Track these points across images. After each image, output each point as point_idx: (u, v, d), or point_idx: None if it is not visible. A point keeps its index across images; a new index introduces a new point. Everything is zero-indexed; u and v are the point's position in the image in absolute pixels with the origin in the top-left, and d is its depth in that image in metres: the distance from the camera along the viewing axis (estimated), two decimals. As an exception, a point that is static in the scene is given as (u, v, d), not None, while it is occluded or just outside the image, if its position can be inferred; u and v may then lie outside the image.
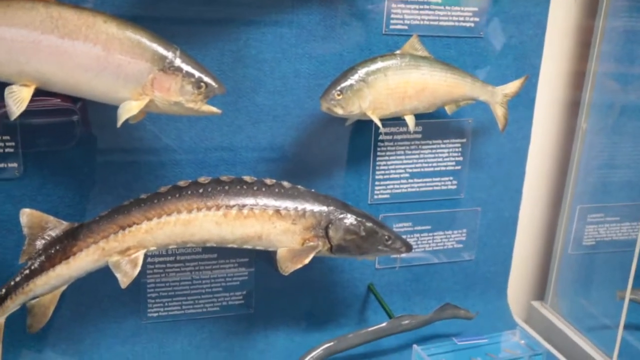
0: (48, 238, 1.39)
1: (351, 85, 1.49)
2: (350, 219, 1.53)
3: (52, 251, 1.38)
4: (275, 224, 1.46)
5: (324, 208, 1.51)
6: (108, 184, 1.54)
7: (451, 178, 1.86)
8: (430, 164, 1.82)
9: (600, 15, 1.91)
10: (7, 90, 1.24)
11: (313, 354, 1.61)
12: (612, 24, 1.91)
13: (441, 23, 1.69)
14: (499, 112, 1.72)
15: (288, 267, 1.46)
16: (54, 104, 1.41)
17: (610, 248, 2.06)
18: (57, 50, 1.23)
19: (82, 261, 1.39)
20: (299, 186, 1.51)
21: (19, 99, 1.24)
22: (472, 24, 1.73)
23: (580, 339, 1.95)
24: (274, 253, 1.54)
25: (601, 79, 1.95)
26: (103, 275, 1.42)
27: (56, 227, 1.40)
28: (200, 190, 1.43)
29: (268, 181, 1.48)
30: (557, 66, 1.96)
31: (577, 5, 1.94)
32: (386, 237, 1.57)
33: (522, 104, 1.85)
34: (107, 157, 1.53)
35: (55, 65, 1.24)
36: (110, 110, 1.31)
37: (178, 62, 1.30)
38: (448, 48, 1.72)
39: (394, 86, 1.53)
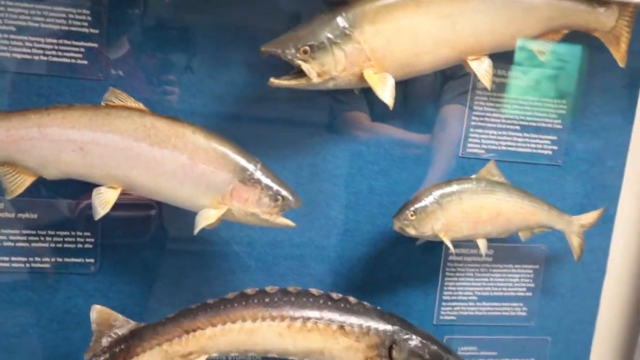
0: (114, 336, 1.41)
1: (425, 207, 1.49)
2: (415, 341, 1.49)
3: (117, 350, 1.39)
4: (338, 339, 1.44)
5: (389, 327, 1.48)
6: (177, 285, 1.57)
7: (521, 304, 1.80)
8: (500, 289, 1.78)
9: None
10: (95, 192, 1.30)
11: None
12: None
13: (519, 149, 1.70)
14: (575, 242, 1.69)
15: (349, 387, 1.42)
16: (134, 197, 1.47)
17: (690, 393, 1.93)
18: (146, 157, 1.29)
19: (145, 363, 1.40)
20: (365, 302, 1.49)
21: (105, 201, 1.30)
22: (550, 152, 1.72)
23: None
24: (334, 368, 1.51)
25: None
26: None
27: (123, 325, 1.42)
28: (267, 300, 1.43)
29: (334, 295, 1.47)
30: (637, 199, 1.91)
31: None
32: (451, 362, 1.52)
33: (599, 234, 1.81)
34: (179, 259, 1.56)
35: (143, 171, 1.30)
36: (184, 210, 1.36)
37: (258, 174, 1.34)
38: (525, 174, 1.71)
39: (468, 210, 1.53)
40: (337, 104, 1.59)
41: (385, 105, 1.39)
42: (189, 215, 1.35)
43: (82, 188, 1.37)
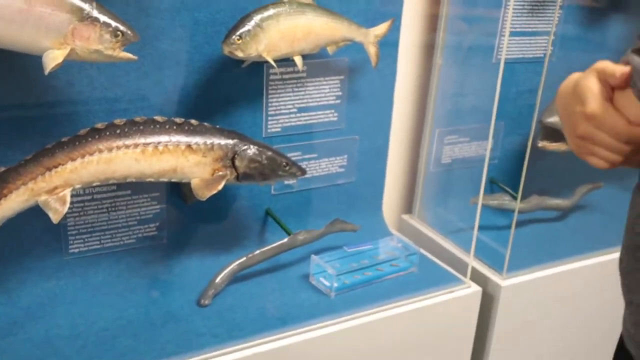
0: (-23, 184, 1.48)
1: (249, 31, 1.67)
2: (253, 149, 1.74)
3: (-17, 196, 1.47)
4: (188, 157, 1.64)
5: (230, 141, 1.70)
6: (26, 131, 1.63)
7: (333, 111, 2.10)
8: (314, 99, 2.05)
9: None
10: None
11: (227, 270, 1.83)
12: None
13: (319, -27, 1.91)
14: (372, 50, 1.99)
15: (204, 193, 1.65)
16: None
17: (464, 165, 2.43)
18: (-19, 5, 1.31)
19: (13, 202, 1.50)
20: (206, 123, 1.69)
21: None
22: (346, -25, 1.96)
23: (444, 241, 2.32)
24: (184, 186, 1.73)
25: (452, 21, 2.27)
26: (23, 218, 1.53)
27: (-17, 174, 1.49)
28: (118, 131, 1.57)
29: (178, 120, 1.64)
30: (416, 11, 2.26)
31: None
32: (284, 163, 1.81)
33: (389, 44, 2.11)
34: (24, 106, 1.61)
35: (-20, 18, 1.32)
36: (26, 59, 1.41)
37: (95, 13, 1.42)
38: (327, -4, 1.94)
39: (285, 30, 1.74)
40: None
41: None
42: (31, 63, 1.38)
43: None
